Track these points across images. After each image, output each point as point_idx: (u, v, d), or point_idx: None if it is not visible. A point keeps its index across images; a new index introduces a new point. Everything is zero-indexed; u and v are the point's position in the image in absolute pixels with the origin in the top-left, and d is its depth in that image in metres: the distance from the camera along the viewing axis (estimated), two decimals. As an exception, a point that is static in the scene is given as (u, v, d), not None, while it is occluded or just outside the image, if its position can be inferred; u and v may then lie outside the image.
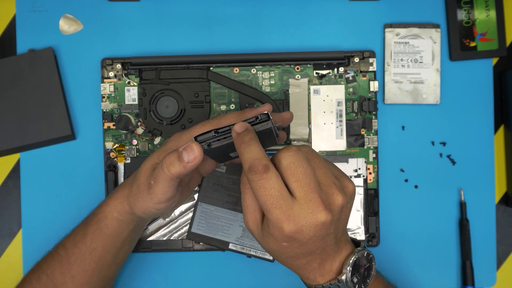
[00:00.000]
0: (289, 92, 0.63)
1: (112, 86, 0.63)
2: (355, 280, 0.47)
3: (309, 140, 0.63)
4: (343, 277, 0.47)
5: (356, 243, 0.50)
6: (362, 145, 0.63)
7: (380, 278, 0.54)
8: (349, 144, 0.63)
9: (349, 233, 0.63)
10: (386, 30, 0.64)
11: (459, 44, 0.64)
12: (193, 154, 0.46)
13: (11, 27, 0.65)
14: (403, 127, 0.64)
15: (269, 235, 0.46)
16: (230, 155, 0.53)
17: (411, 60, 0.64)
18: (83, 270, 0.54)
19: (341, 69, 0.63)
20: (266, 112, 0.46)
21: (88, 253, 0.54)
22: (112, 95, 0.63)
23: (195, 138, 0.47)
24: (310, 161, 0.46)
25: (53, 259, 0.55)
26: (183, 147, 0.47)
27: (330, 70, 0.63)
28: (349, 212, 0.48)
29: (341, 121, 0.63)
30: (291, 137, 0.63)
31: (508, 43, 0.66)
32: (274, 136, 0.49)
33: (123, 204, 0.53)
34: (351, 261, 0.47)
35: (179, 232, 0.63)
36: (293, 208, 0.44)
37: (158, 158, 0.52)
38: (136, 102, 0.63)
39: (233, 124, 0.46)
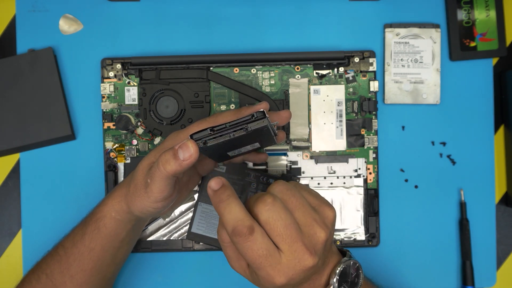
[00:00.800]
0: (289, 92, 0.63)
1: (112, 86, 0.63)
2: None
3: (309, 140, 0.63)
4: None
5: (342, 252, 0.50)
6: (362, 145, 0.63)
7: (370, 285, 0.54)
8: (349, 144, 0.63)
9: (349, 233, 0.63)
10: (386, 30, 0.64)
11: (459, 44, 0.64)
12: (188, 152, 0.46)
13: (11, 27, 0.65)
14: (403, 127, 0.64)
15: (259, 282, 0.46)
16: (228, 154, 0.53)
17: (411, 60, 0.64)
18: (82, 270, 0.54)
19: (341, 69, 0.63)
20: (262, 110, 0.46)
21: (87, 253, 0.54)
22: (112, 95, 0.63)
23: (191, 136, 0.47)
24: (287, 204, 0.45)
25: (52, 259, 0.55)
26: (178, 145, 0.46)
27: (330, 70, 0.63)
28: (333, 233, 0.48)
29: (341, 121, 0.63)
30: (291, 137, 0.63)
31: (508, 43, 0.66)
32: (271, 135, 0.49)
33: (121, 204, 0.53)
34: (337, 271, 0.47)
35: (179, 232, 0.63)
36: (281, 262, 0.44)
37: (155, 157, 0.52)
38: (136, 102, 0.63)
39: (229, 122, 0.46)
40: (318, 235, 0.45)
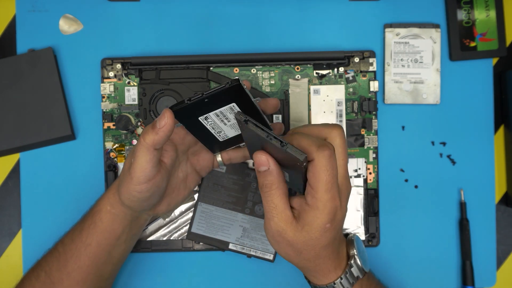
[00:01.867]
0: (289, 92, 0.63)
1: (112, 86, 0.63)
2: (361, 262, 0.52)
3: (309, 140, 0.63)
4: (352, 261, 0.52)
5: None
6: (362, 145, 0.63)
7: (372, 276, 0.56)
8: (349, 144, 0.63)
9: (349, 233, 0.63)
10: (386, 30, 0.64)
11: (459, 44, 0.64)
12: (163, 120, 0.47)
13: (11, 27, 0.65)
14: (403, 127, 0.64)
15: (308, 221, 0.47)
16: (217, 138, 0.52)
17: (411, 60, 0.64)
18: (78, 267, 0.54)
19: (341, 69, 0.63)
20: (237, 78, 0.46)
21: (83, 249, 0.54)
22: (112, 95, 0.63)
23: (171, 107, 0.47)
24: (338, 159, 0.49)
25: (52, 256, 0.56)
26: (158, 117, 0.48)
27: (330, 70, 0.63)
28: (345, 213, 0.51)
29: (341, 121, 0.63)
30: (291, 137, 0.63)
31: (508, 43, 0.66)
32: (251, 101, 0.48)
33: (114, 196, 0.54)
34: (354, 241, 0.53)
35: (179, 232, 0.63)
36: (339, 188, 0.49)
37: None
38: (136, 102, 0.63)
39: (206, 92, 0.46)
40: (348, 190, 0.51)
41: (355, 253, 0.52)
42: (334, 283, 0.51)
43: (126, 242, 0.57)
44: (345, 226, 0.63)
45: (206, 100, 0.47)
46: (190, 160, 0.57)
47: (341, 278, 0.51)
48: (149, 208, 0.55)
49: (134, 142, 0.63)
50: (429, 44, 0.64)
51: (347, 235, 0.55)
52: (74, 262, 0.54)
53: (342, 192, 0.49)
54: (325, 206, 0.47)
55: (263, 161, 0.47)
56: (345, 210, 0.50)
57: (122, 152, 0.63)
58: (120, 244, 0.56)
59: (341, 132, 0.49)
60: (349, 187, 0.50)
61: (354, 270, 0.52)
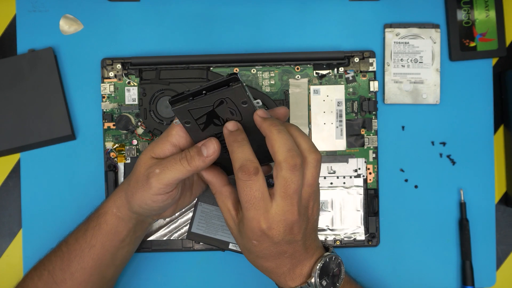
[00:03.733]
0: (289, 92, 0.63)
1: (112, 86, 0.63)
2: (324, 283, 0.50)
3: (309, 140, 0.63)
4: (312, 280, 0.50)
5: (326, 248, 0.53)
6: (362, 145, 0.63)
7: (352, 282, 0.56)
8: (349, 144, 0.63)
9: (349, 233, 0.63)
10: (386, 30, 0.64)
11: (459, 44, 0.64)
12: (212, 148, 0.49)
13: (11, 27, 0.65)
14: (403, 127, 0.64)
15: (242, 226, 0.49)
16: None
17: (411, 60, 0.64)
18: (82, 267, 0.54)
19: (341, 69, 0.63)
20: (235, 72, 0.48)
21: (87, 250, 0.54)
22: (112, 95, 0.63)
23: (171, 99, 0.48)
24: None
25: (55, 256, 0.55)
26: (202, 142, 0.50)
27: (330, 70, 0.63)
28: (317, 218, 0.51)
29: (341, 121, 0.63)
30: (291, 137, 0.63)
31: (508, 43, 0.66)
32: (251, 102, 0.48)
33: (121, 199, 0.54)
34: (318, 266, 0.50)
35: (179, 232, 0.63)
36: (270, 211, 0.47)
37: (156, 147, 0.52)
38: (136, 102, 0.63)
39: (203, 88, 0.47)
40: (314, 208, 0.50)
41: (317, 274, 0.50)
42: None
43: (130, 245, 0.57)
44: (345, 226, 0.63)
45: (204, 92, 0.47)
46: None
47: None
48: (157, 214, 0.56)
49: (135, 142, 0.63)
50: (429, 44, 0.64)
51: (328, 249, 0.53)
52: (77, 262, 0.54)
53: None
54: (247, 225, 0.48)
55: (234, 123, 0.49)
56: (282, 234, 0.48)
57: (122, 152, 0.63)
58: (124, 246, 0.56)
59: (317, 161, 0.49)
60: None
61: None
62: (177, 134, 0.51)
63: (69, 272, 0.54)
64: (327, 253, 0.51)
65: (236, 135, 0.48)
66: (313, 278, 0.49)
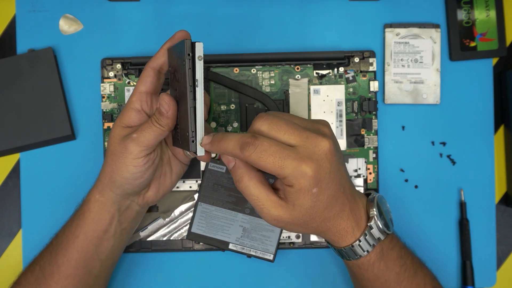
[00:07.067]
0: (289, 92, 0.63)
1: (112, 86, 0.63)
2: (382, 223, 0.51)
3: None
4: (372, 222, 0.50)
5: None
6: (362, 145, 0.63)
7: (396, 239, 0.55)
8: (349, 144, 0.63)
9: (370, 192, 0.64)
10: (386, 30, 0.64)
11: (459, 44, 0.64)
12: (165, 105, 0.50)
13: (11, 27, 0.65)
14: (403, 127, 0.64)
15: (295, 197, 0.47)
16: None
17: (411, 60, 0.64)
18: (67, 260, 0.54)
19: (341, 69, 0.63)
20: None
21: (72, 241, 0.54)
22: (112, 95, 0.63)
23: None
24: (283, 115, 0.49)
25: (46, 250, 0.56)
26: (159, 103, 0.50)
27: (330, 70, 0.63)
28: (342, 161, 0.50)
29: (341, 121, 0.63)
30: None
31: (508, 43, 0.66)
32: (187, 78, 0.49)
33: (102, 181, 0.54)
34: (375, 201, 0.51)
35: (179, 232, 0.63)
36: (300, 152, 0.46)
37: (123, 117, 0.53)
38: (136, 102, 0.63)
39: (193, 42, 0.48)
40: (322, 129, 0.49)
41: (375, 213, 0.51)
42: (353, 246, 0.50)
43: (115, 237, 0.56)
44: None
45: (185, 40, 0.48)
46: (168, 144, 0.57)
47: (360, 241, 0.50)
48: (139, 190, 0.54)
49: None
50: (429, 44, 0.64)
51: (368, 194, 0.54)
52: (63, 255, 0.54)
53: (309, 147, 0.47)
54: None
55: (229, 159, 0.49)
56: (328, 163, 0.47)
57: (122, 152, 0.63)
58: (108, 238, 0.55)
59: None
60: (318, 139, 0.47)
61: (375, 231, 0.50)
62: (138, 100, 0.53)
63: (56, 265, 0.54)
64: (372, 194, 0.53)
65: (217, 139, 0.48)
66: (374, 217, 0.50)
